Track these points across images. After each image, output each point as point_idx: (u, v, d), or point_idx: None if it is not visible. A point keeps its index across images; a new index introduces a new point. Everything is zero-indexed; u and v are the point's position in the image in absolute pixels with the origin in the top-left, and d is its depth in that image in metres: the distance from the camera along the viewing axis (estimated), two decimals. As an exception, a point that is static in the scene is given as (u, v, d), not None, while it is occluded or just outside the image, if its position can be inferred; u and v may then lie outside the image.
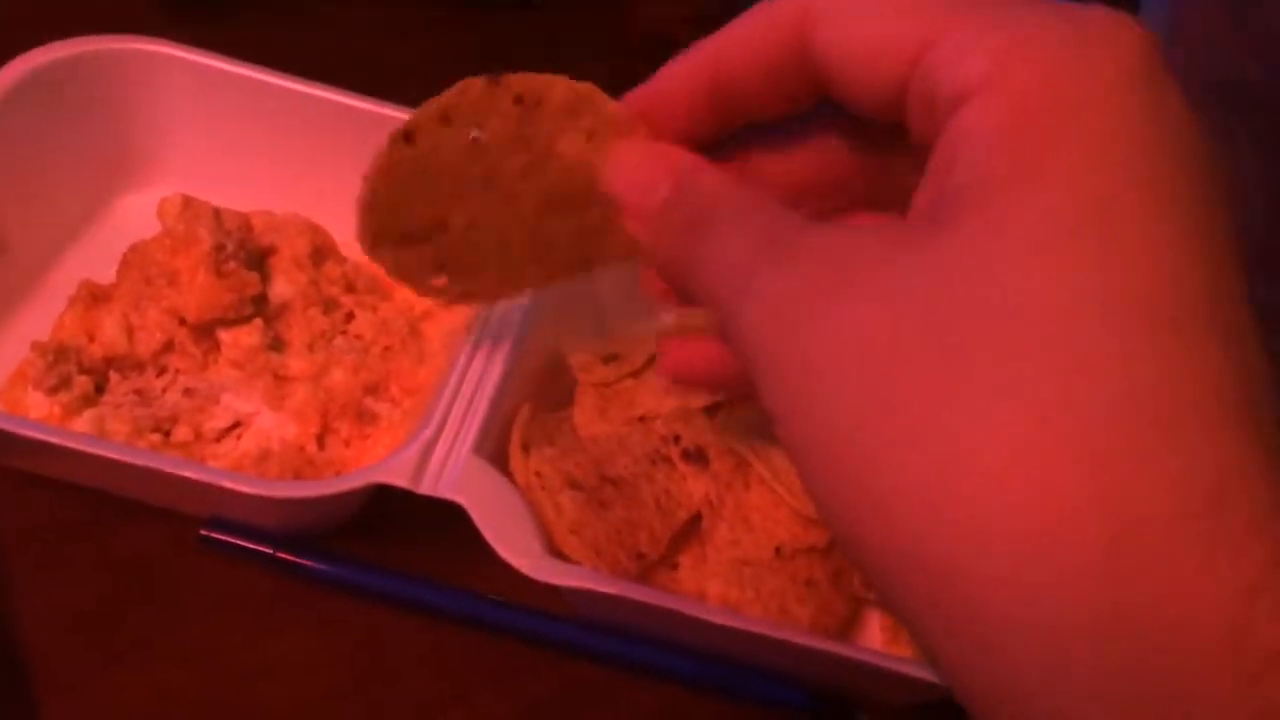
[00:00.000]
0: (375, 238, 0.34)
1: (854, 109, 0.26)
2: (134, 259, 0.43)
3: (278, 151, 0.50)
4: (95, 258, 0.47)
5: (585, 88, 0.30)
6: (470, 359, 0.41)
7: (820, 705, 0.40)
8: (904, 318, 0.20)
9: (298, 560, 0.40)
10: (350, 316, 0.46)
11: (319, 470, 0.42)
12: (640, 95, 0.30)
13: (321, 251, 0.47)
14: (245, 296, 0.43)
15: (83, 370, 0.41)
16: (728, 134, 0.30)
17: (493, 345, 0.42)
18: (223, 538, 0.40)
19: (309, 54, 0.52)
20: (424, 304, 0.49)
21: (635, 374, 0.46)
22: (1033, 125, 0.21)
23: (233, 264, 0.43)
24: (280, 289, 0.45)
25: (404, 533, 0.41)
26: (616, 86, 0.62)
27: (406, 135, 0.31)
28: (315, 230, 0.48)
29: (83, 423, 0.40)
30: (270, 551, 0.40)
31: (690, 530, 0.41)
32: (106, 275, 0.45)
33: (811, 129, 0.30)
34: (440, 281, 0.35)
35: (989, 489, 0.19)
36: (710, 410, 0.43)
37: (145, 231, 0.46)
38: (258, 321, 0.43)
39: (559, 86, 0.30)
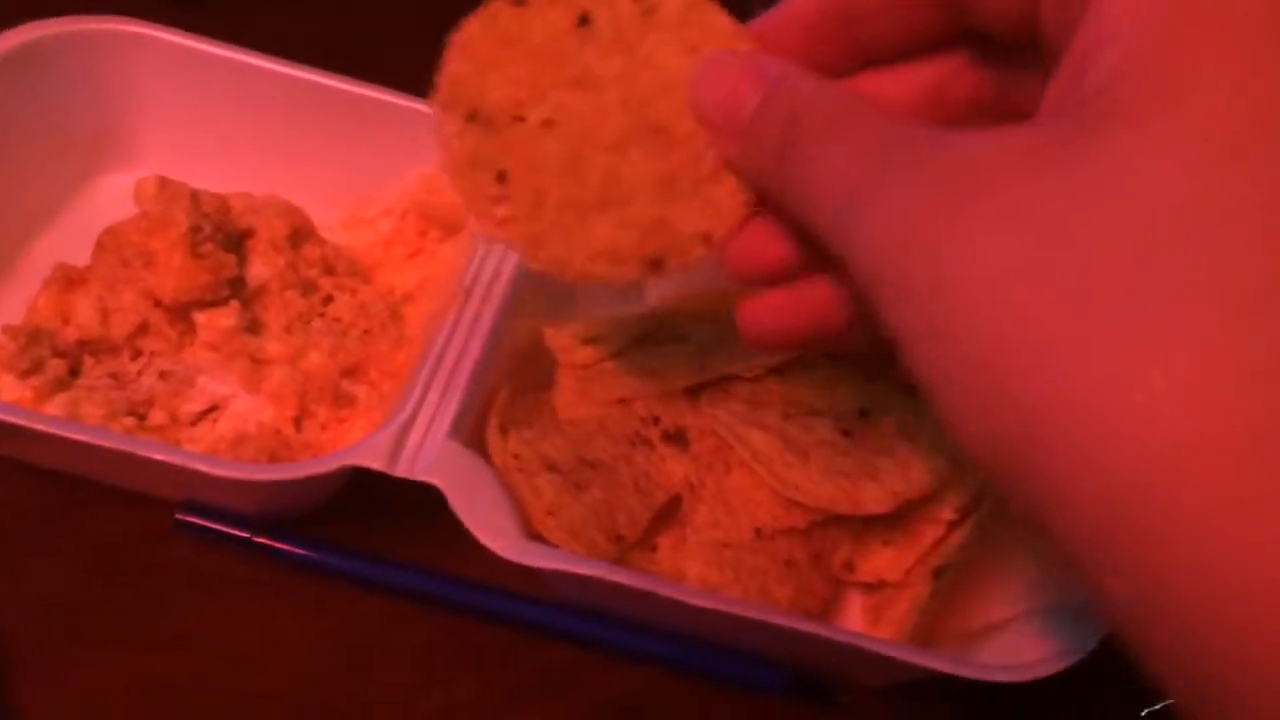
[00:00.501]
0: (450, 94, 0.30)
1: (984, 21, 0.25)
2: (109, 241, 0.43)
3: (257, 133, 0.50)
4: (72, 240, 0.46)
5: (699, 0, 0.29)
6: (448, 341, 0.41)
7: (799, 686, 0.40)
8: (1058, 228, 0.19)
9: (274, 544, 0.40)
10: (329, 299, 0.46)
11: (295, 453, 0.42)
12: (758, 22, 0.29)
13: (300, 233, 0.47)
14: (221, 278, 0.42)
15: (56, 353, 0.41)
16: (845, 70, 0.28)
17: (471, 327, 0.42)
18: (198, 521, 0.40)
19: (287, 33, 0.51)
20: (404, 287, 0.49)
21: (616, 356, 0.45)
22: (1185, 10, 0.19)
23: (209, 246, 0.42)
24: (257, 271, 0.45)
25: (382, 516, 0.41)
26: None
27: None
28: (294, 212, 0.47)
29: (56, 406, 0.40)
30: (247, 536, 0.40)
31: (670, 512, 0.41)
32: (83, 258, 0.45)
33: (930, 59, 0.28)
34: (496, 191, 0.30)
35: (1176, 400, 0.17)
36: (692, 392, 0.43)
37: (123, 213, 0.45)
38: (234, 304, 0.43)
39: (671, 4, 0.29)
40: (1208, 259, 0.18)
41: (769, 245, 0.29)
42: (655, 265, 0.30)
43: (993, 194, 0.20)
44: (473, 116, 0.30)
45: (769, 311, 0.29)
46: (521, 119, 0.30)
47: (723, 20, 0.29)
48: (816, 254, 0.27)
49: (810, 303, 0.28)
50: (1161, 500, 0.17)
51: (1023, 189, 0.20)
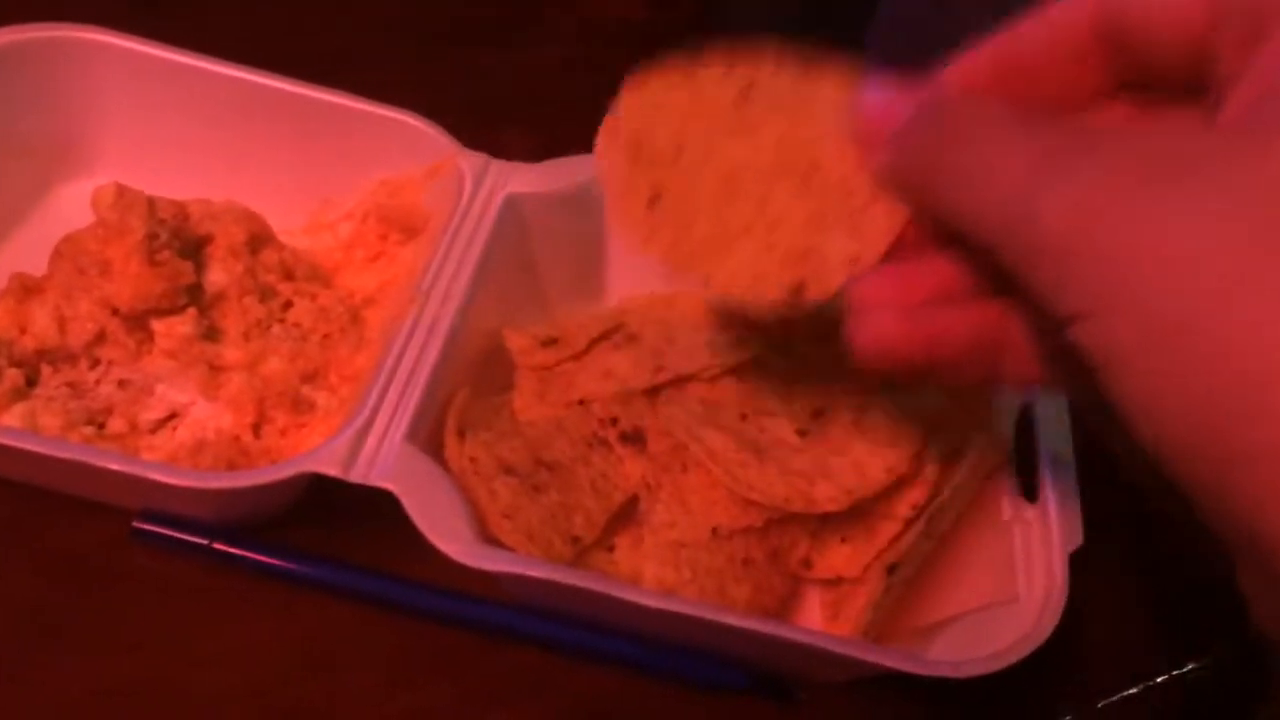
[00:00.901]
0: (619, 123, 0.33)
1: (1151, 68, 0.27)
2: (66, 249, 0.43)
3: (216, 139, 0.50)
4: (30, 249, 0.46)
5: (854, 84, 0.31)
6: (406, 344, 0.41)
7: (758, 684, 0.41)
8: (1261, 208, 0.20)
9: (234, 551, 0.40)
10: (288, 304, 0.46)
11: (254, 460, 0.42)
12: (975, 60, 0.29)
13: (258, 239, 0.47)
14: (179, 286, 0.42)
15: (13, 363, 0.41)
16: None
17: (429, 330, 0.42)
18: (155, 529, 0.40)
19: (244, 37, 0.51)
20: (365, 291, 0.49)
21: (576, 357, 0.45)
22: None
23: (166, 253, 0.42)
24: (215, 277, 0.45)
25: (342, 521, 0.41)
26: (573, 71, 0.62)
27: (696, 54, 0.32)
28: (252, 218, 0.47)
29: (13, 416, 0.40)
30: (205, 543, 0.40)
31: (627, 512, 0.42)
32: (41, 267, 0.45)
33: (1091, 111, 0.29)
34: (649, 215, 0.33)
35: None
36: (649, 393, 0.43)
37: (81, 222, 0.45)
38: (191, 311, 0.43)
39: (839, 74, 0.31)
40: None
41: (907, 279, 0.29)
42: (798, 289, 0.31)
43: (1197, 171, 0.21)
44: (636, 147, 0.33)
45: (899, 324, 0.29)
46: (680, 156, 0.32)
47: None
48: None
49: (961, 320, 0.29)
50: None
51: (1228, 169, 0.21)
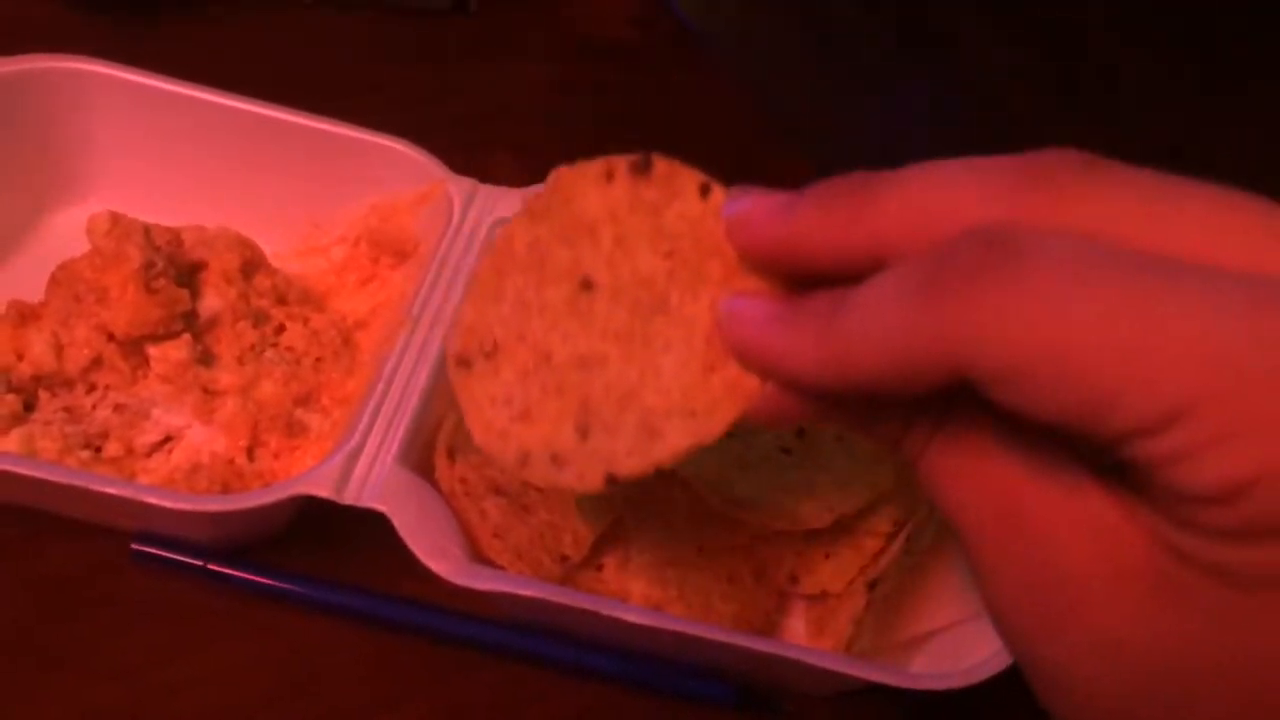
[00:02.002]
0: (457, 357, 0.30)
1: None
2: (63, 277, 0.44)
3: (207, 165, 0.51)
4: (25, 276, 0.47)
5: (674, 167, 0.27)
6: (396, 368, 0.42)
7: (745, 697, 0.41)
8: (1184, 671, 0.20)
9: (229, 572, 0.41)
10: (281, 329, 0.47)
11: (248, 483, 0.42)
12: (759, 212, 0.25)
13: (251, 265, 0.48)
14: (175, 313, 0.43)
15: (11, 389, 0.42)
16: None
17: (419, 354, 0.43)
18: (152, 551, 0.41)
19: (233, 62, 0.52)
20: (357, 314, 0.50)
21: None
22: None
23: (162, 280, 0.43)
24: (210, 303, 0.45)
25: (336, 542, 0.42)
26: (559, 93, 0.62)
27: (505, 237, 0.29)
28: (245, 244, 0.48)
29: (11, 441, 0.40)
30: (201, 564, 0.41)
31: (615, 532, 0.42)
32: (36, 293, 0.45)
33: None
34: (508, 426, 0.28)
35: None
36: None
37: (76, 249, 0.46)
38: (186, 336, 0.44)
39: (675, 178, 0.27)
40: None
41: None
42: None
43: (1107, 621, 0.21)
44: (464, 362, 0.29)
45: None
46: (494, 352, 0.29)
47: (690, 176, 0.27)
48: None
49: None
50: None
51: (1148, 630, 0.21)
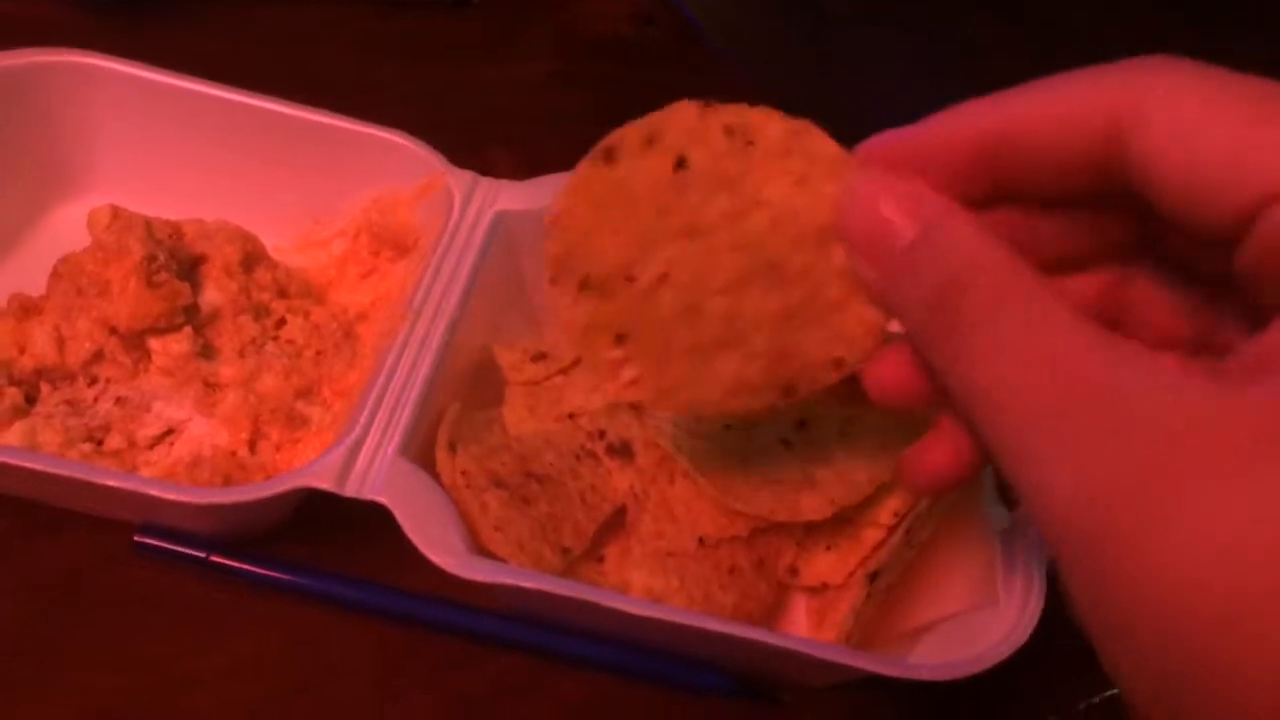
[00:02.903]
0: (557, 270, 0.30)
1: (1169, 226, 0.25)
2: (64, 270, 0.44)
3: (207, 159, 0.51)
4: (27, 270, 0.47)
5: (800, 124, 0.29)
6: (398, 360, 0.42)
7: (744, 688, 0.42)
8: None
9: (231, 564, 0.41)
10: (282, 322, 0.47)
11: (250, 475, 0.42)
12: (893, 141, 0.28)
13: (252, 258, 0.48)
14: (176, 306, 0.43)
15: (13, 382, 0.42)
16: (981, 202, 0.27)
17: (420, 346, 0.43)
18: (155, 543, 0.41)
19: (232, 56, 0.53)
20: (358, 306, 0.50)
21: (564, 371, 0.46)
22: None
23: (164, 274, 0.43)
24: (211, 296, 0.45)
25: (337, 534, 0.42)
26: (559, 88, 0.62)
27: (607, 153, 0.29)
28: (246, 237, 0.48)
29: (13, 434, 0.40)
30: (204, 556, 0.41)
31: (616, 523, 0.42)
32: (38, 287, 0.45)
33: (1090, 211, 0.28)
34: (618, 354, 0.31)
35: None
36: (637, 405, 0.44)
37: (77, 242, 0.46)
38: (187, 329, 0.44)
39: (773, 122, 0.29)
40: None
41: (910, 378, 0.29)
42: (788, 391, 0.30)
43: (1225, 468, 0.20)
44: (585, 285, 0.30)
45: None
46: (633, 278, 0.30)
47: (829, 146, 0.29)
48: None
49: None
50: None
51: (1265, 471, 0.20)
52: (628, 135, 0.29)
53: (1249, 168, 0.22)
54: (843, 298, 0.29)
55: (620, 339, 0.31)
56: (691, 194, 0.29)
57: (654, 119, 0.29)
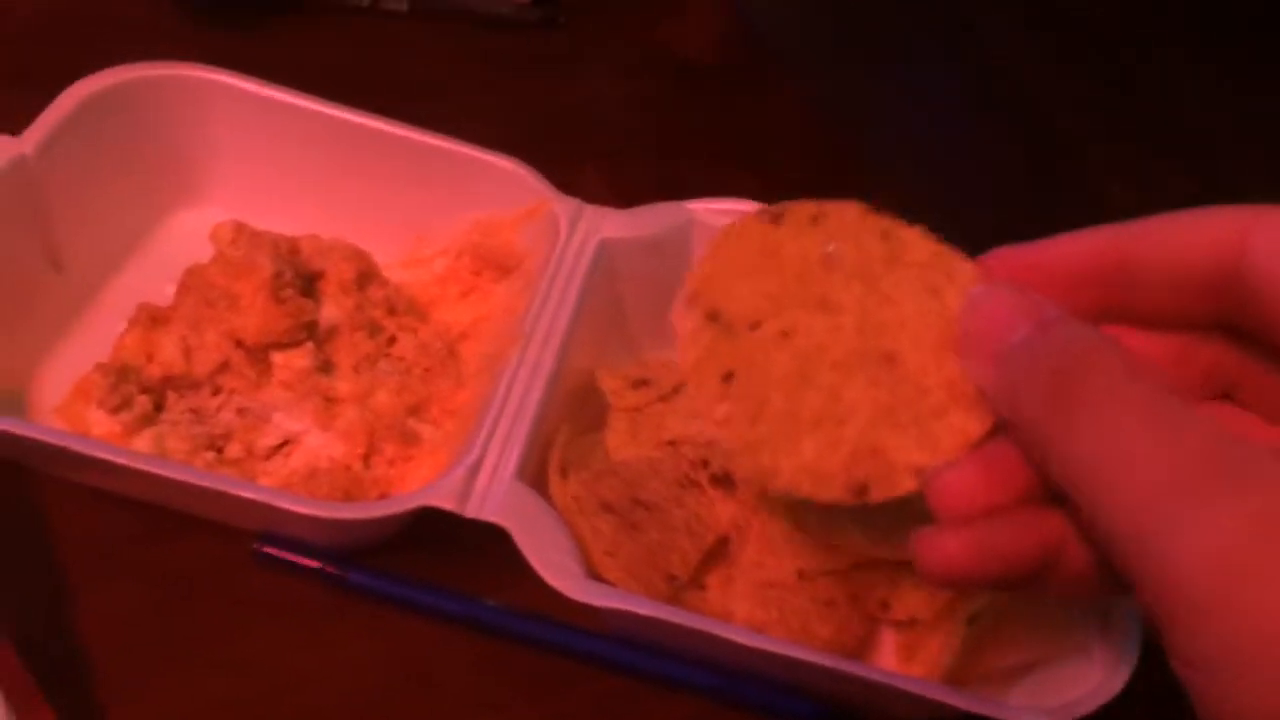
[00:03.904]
0: (698, 290, 0.33)
1: (1261, 331, 0.27)
2: (192, 282, 0.45)
3: (319, 175, 0.52)
4: (147, 276, 0.49)
5: (942, 247, 0.31)
6: (511, 383, 0.43)
7: (835, 717, 0.43)
8: None
9: (346, 575, 0.42)
10: (393, 339, 0.48)
11: (365, 489, 0.44)
12: (1016, 255, 0.30)
13: (366, 276, 0.49)
14: (300, 322, 0.45)
15: (142, 390, 0.43)
16: (1094, 320, 0.28)
17: (533, 370, 0.44)
18: (275, 553, 0.42)
19: (324, 70, 0.54)
20: (460, 325, 0.51)
21: (664, 399, 0.48)
22: None
23: (290, 290, 0.45)
24: (329, 312, 0.47)
25: (447, 550, 0.43)
26: (637, 107, 0.63)
27: (775, 215, 0.33)
28: (360, 255, 0.50)
29: (143, 441, 0.42)
30: (319, 566, 0.42)
31: (718, 552, 0.44)
32: (157, 292, 0.47)
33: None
34: (720, 389, 0.32)
35: None
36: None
37: (195, 250, 0.48)
38: (309, 345, 0.45)
39: (924, 241, 0.32)
40: None
41: (991, 486, 0.28)
42: (860, 491, 0.30)
43: None
44: (714, 316, 0.32)
45: (966, 549, 0.28)
46: (758, 327, 0.32)
47: (968, 266, 0.31)
48: (1048, 492, 0.27)
49: (1030, 538, 0.28)
50: None
51: None
52: (798, 209, 0.32)
53: None
54: (945, 405, 0.30)
55: (728, 378, 0.32)
56: (835, 275, 0.32)
57: (826, 205, 0.32)
